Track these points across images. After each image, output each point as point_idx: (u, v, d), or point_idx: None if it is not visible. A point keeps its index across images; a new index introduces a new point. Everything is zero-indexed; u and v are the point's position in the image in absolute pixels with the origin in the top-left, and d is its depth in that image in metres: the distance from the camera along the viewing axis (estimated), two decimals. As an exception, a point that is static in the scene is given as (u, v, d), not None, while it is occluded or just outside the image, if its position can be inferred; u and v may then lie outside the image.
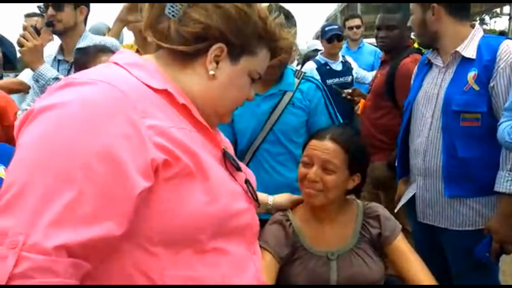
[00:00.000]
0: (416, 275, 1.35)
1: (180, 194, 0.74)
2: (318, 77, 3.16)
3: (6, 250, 0.58)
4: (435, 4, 1.78)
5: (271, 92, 1.90)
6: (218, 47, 0.83)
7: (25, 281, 0.58)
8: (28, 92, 2.86)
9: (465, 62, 1.74)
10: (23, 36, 2.09)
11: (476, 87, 1.68)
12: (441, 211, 1.83)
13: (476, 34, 1.77)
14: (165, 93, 0.80)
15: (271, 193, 1.54)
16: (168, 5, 0.81)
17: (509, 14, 13.01)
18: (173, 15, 0.81)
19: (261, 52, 0.89)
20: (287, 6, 1.82)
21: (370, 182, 2.64)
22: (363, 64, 4.17)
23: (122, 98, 0.70)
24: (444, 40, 1.81)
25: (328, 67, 3.70)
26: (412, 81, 2.08)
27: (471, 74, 1.70)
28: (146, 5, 0.84)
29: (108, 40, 2.41)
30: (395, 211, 2.03)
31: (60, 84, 0.72)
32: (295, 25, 1.73)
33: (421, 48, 2.62)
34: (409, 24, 1.93)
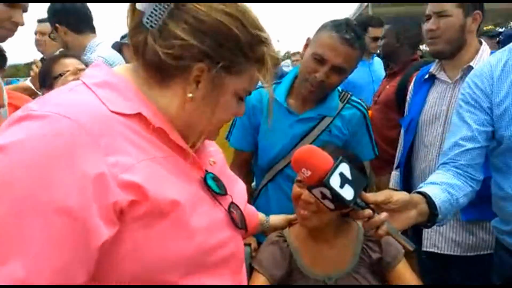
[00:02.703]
0: None
1: (149, 235, 0.68)
2: None
3: None
4: (479, 11, 1.69)
5: (308, 115, 1.68)
6: (198, 68, 0.75)
7: None
8: (34, 97, 2.86)
9: None
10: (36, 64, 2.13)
11: None
12: (454, 237, 1.74)
13: (485, 50, 1.72)
14: (138, 117, 0.73)
15: None
16: (147, 13, 0.72)
17: None
18: (151, 26, 0.72)
19: (248, 71, 0.79)
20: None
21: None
22: (379, 77, 3.86)
23: (81, 136, 0.63)
24: (464, 53, 1.72)
25: None
26: (409, 98, 2.00)
27: None
28: (128, 10, 0.76)
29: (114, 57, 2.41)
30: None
31: (18, 116, 0.65)
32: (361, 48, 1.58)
33: (428, 60, 2.59)
34: (429, 27, 1.73)
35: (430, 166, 1.77)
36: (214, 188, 0.81)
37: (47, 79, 1.87)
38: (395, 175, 2.08)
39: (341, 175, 1.00)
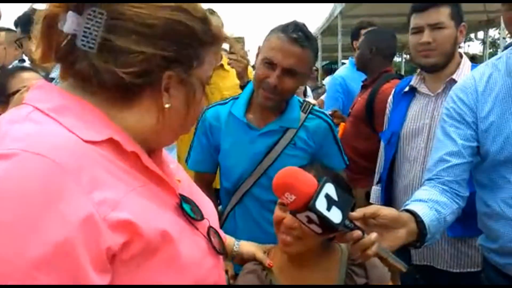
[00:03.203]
0: None
1: (141, 275, 0.62)
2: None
3: None
4: (464, 23, 1.67)
5: (269, 129, 1.57)
6: (167, 76, 0.68)
7: None
8: None
9: None
10: None
11: None
12: (441, 252, 1.70)
13: (465, 63, 1.70)
14: (109, 143, 0.65)
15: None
16: (79, 35, 0.61)
17: (482, 39, 13.42)
18: (90, 47, 0.62)
19: (208, 57, 0.75)
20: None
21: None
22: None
23: (58, 174, 0.55)
24: (450, 64, 1.69)
25: None
26: (388, 111, 1.95)
27: None
28: (38, 37, 0.65)
29: None
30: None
31: None
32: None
33: (402, 74, 2.58)
34: (425, 40, 1.66)
35: (414, 181, 1.73)
36: (191, 214, 0.76)
37: (1, 95, 1.70)
38: (376, 190, 2.03)
39: (327, 196, 0.94)
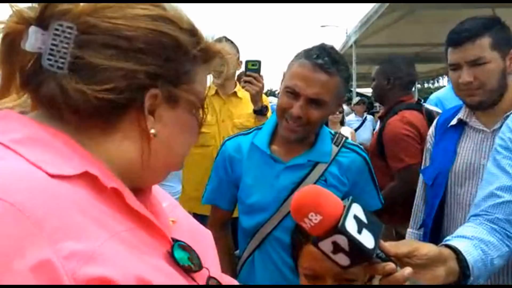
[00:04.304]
0: None
1: None
2: None
3: None
4: None
5: (296, 162, 1.41)
6: (151, 95, 0.58)
7: None
8: None
9: None
10: None
11: None
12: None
13: None
14: (83, 178, 0.54)
15: None
16: (45, 54, 0.53)
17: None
18: (58, 67, 0.54)
19: (197, 74, 0.65)
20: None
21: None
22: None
23: (15, 220, 0.45)
24: (507, 97, 1.48)
25: None
26: (430, 145, 1.72)
27: None
28: (7, 55, 0.57)
29: None
30: None
31: None
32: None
33: (411, 103, 2.45)
34: (465, 80, 1.45)
35: None
36: (185, 262, 0.63)
37: None
38: (416, 234, 1.80)
39: (356, 218, 0.80)
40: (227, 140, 1.55)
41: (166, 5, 0.62)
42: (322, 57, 1.31)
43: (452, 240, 1.09)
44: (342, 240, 0.78)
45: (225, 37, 2.54)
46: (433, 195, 1.60)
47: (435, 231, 1.62)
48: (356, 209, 0.81)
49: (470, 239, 1.08)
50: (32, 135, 0.55)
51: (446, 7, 5.16)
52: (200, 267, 0.67)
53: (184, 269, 0.64)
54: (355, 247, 0.78)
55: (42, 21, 0.55)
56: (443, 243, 1.08)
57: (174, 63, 0.60)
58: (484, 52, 1.43)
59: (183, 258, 0.64)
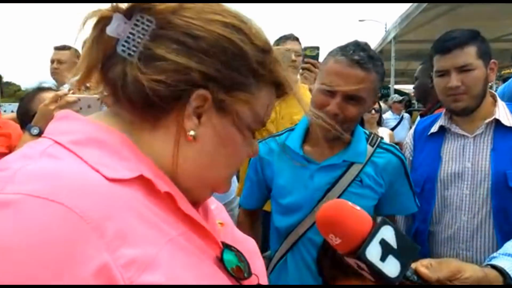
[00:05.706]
0: None
1: None
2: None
3: None
4: (494, 60, 1.55)
5: (331, 162, 1.38)
6: (199, 95, 0.57)
7: None
8: None
9: (503, 131, 1.51)
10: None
11: None
12: None
13: (499, 101, 1.58)
14: (138, 181, 0.54)
15: None
16: (122, 40, 0.56)
17: None
18: (129, 54, 0.56)
19: (261, 94, 0.62)
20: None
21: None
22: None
23: (74, 226, 0.43)
24: (483, 104, 1.56)
25: None
26: (409, 154, 1.74)
27: None
28: (86, 46, 0.59)
29: None
30: None
31: None
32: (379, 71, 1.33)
33: None
34: (453, 84, 1.53)
35: (459, 232, 1.55)
36: (234, 265, 0.63)
37: (26, 119, 1.62)
38: None
39: (383, 243, 0.76)
40: (259, 142, 1.56)
41: (252, 21, 0.62)
42: (358, 53, 1.28)
43: (498, 258, 1.04)
44: (363, 264, 0.76)
45: (293, 35, 2.46)
46: (424, 201, 1.61)
47: (427, 236, 1.65)
48: (386, 232, 0.77)
49: None
50: (90, 135, 0.55)
51: (487, 6, 5.04)
52: (249, 273, 0.64)
53: (235, 276, 0.62)
54: (375, 273, 0.76)
55: (128, 12, 0.58)
56: (488, 262, 1.04)
57: (232, 70, 0.59)
58: (471, 59, 1.50)
59: (232, 261, 0.62)
